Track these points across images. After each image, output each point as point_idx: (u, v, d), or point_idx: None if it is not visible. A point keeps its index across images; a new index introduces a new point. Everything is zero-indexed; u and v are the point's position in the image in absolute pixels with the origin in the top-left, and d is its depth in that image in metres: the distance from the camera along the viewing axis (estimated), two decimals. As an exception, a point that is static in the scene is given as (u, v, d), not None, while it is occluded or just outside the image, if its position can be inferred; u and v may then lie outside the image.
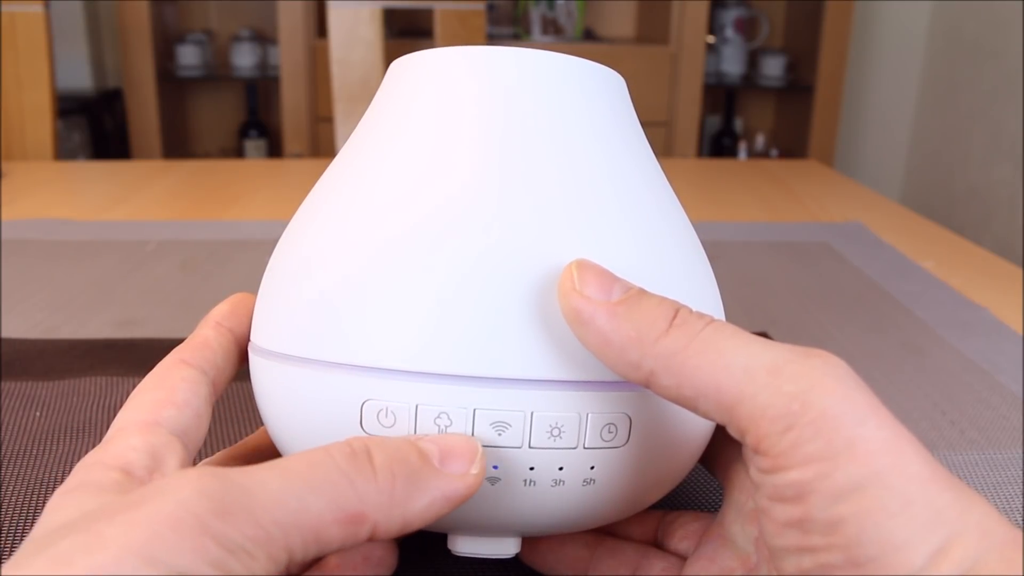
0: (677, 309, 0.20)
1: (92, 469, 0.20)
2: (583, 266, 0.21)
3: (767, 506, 0.19)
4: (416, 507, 0.19)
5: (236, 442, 0.29)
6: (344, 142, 0.27)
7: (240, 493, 0.17)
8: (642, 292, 0.21)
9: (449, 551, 0.24)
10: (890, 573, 0.17)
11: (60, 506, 0.19)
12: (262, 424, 0.26)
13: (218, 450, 0.27)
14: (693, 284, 0.24)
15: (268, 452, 0.27)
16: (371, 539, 0.19)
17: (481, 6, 1.35)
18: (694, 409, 0.20)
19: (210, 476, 0.17)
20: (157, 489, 0.17)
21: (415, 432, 0.21)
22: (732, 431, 0.20)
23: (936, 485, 0.17)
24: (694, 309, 0.21)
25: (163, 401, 0.22)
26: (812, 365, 0.19)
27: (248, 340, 0.26)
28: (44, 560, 0.16)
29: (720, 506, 0.26)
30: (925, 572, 0.17)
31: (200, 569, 0.16)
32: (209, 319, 0.26)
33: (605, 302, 0.20)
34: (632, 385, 0.22)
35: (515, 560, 0.27)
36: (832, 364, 0.19)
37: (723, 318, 0.26)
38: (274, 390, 0.24)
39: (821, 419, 0.18)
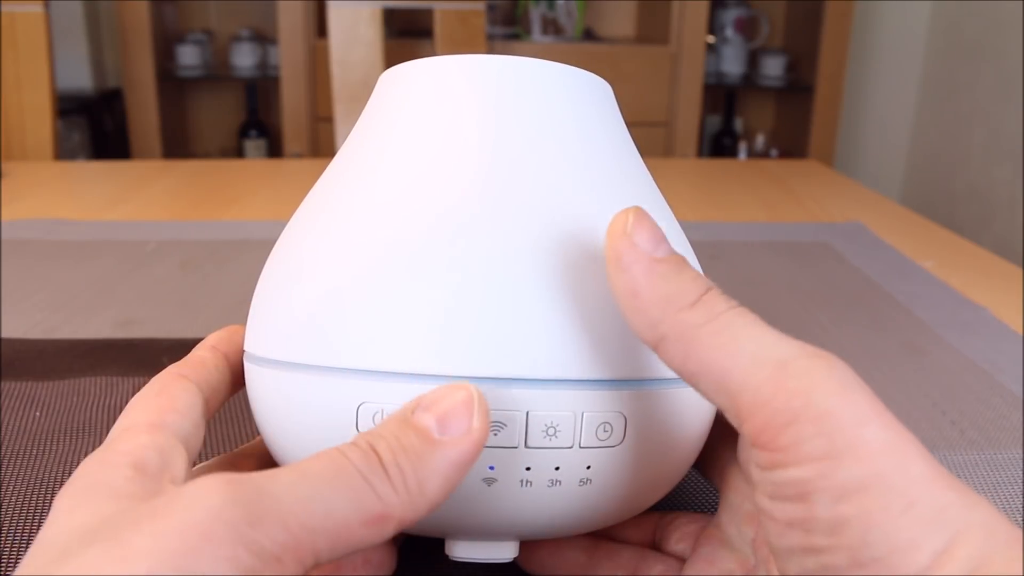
0: (709, 288, 0.20)
1: (102, 468, 0.19)
2: (640, 215, 0.21)
3: (768, 506, 0.19)
4: (432, 489, 0.19)
5: (233, 446, 0.29)
6: (344, 142, 0.27)
7: (269, 499, 0.17)
8: (684, 260, 0.21)
9: (447, 556, 0.24)
10: (895, 573, 0.17)
11: (72, 507, 0.18)
12: (258, 434, 0.26)
13: (213, 455, 0.27)
14: None
15: (264, 459, 0.27)
16: (400, 529, 0.19)
17: (481, 6, 1.35)
18: (695, 385, 0.20)
19: (237, 483, 0.17)
20: (183, 496, 0.17)
21: None
22: (731, 418, 0.20)
23: (939, 485, 0.17)
24: None
25: (166, 407, 0.22)
26: (817, 365, 0.19)
27: (241, 368, 0.26)
28: (71, 569, 0.16)
29: (716, 508, 0.26)
30: (930, 572, 0.17)
31: None
32: (206, 343, 0.26)
33: (648, 255, 0.20)
34: (626, 383, 0.22)
35: (513, 564, 0.27)
36: (838, 366, 0.19)
37: None
38: (269, 397, 0.24)
39: (823, 417, 0.18)
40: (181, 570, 0.16)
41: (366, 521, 0.18)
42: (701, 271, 0.26)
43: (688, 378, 0.20)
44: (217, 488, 0.17)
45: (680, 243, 0.26)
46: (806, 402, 0.18)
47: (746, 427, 0.19)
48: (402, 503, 0.19)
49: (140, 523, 0.16)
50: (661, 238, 0.21)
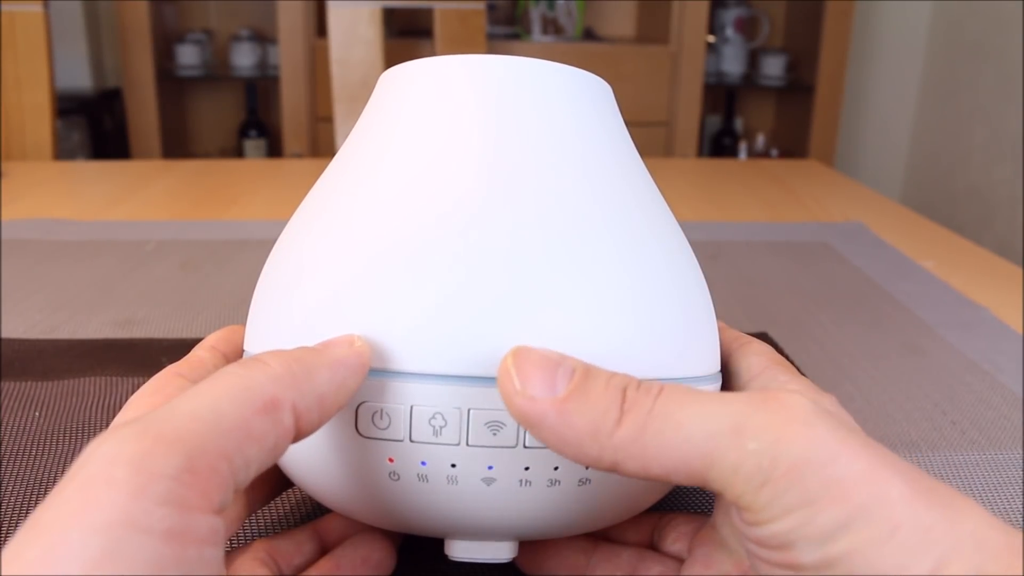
0: (624, 388, 0.20)
1: None
2: (520, 361, 0.20)
3: (755, 550, 0.19)
4: (321, 378, 0.20)
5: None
6: (344, 142, 0.27)
7: (159, 423, 0.17)
8: (587, 375, 0.20)
9: (447, 557, 0.24)
10: None
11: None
12: None
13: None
14: (679, 291, 0.25)
15: None
16: (300, 427, 0.19)
17: (481, 6, 1.35)
18: (667, 482, 0.20)
19: (123, 424, 0.17)
20: (82, 458, 0.17)
21: (411, 436, 0.21)
22: (711, 490, 0.19)
23: (922, 503, 0.17)
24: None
25: (159, 406, 0.23)
26: (773, 413, 0.19)
27: None
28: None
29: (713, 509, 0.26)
30: None
31: (152, 512, 0.16)
32: (205, 343, 0.26)
33: (552, 400, 0.19)
34: None
35: (512, 565, 0.27)
36: (792, 407, 0.19)
37: (712, 317, 0.26)
38: None
39: (792, 470, 0.18)
40: (89, 527, 0.15)
41: (258, 409, 0.18)
42: (698, 267, 0.26)
43: (659, 480, 0.19)
44: (106, 435, 0.17)
45: (679, 243, 0.26)
46: (772, 459, 0.18)
47: (727, 496, 0.19)
48: (288, 386, 0.19)
49: (49, 499, 0.16)
50: (552, 367, 0.20)
